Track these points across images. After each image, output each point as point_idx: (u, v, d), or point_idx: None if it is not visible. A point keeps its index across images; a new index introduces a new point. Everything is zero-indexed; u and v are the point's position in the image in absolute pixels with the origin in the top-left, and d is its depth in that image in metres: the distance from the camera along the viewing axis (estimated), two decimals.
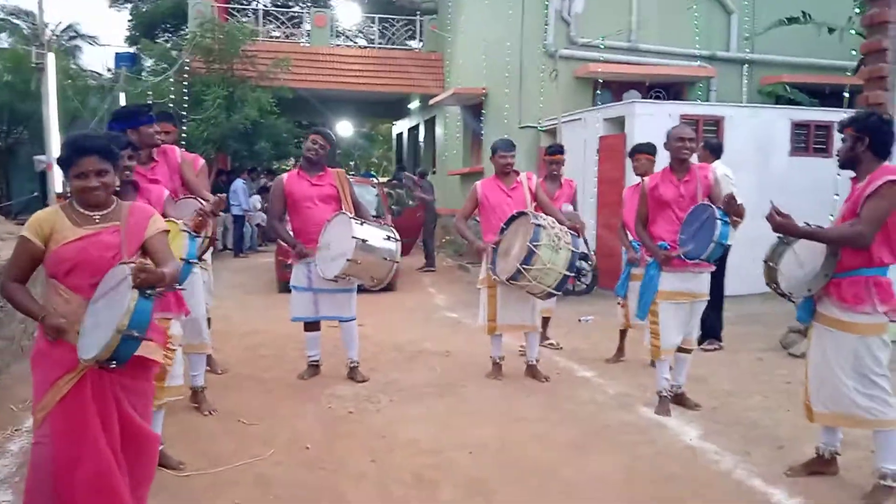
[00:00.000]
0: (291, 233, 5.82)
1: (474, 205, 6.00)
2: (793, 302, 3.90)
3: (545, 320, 6.86)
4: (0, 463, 4.03)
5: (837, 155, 3.81)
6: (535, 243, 5.17)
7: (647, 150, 6.32)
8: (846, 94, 8.25)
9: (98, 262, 2.87)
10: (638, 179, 6.00)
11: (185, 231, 3.82)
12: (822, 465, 3.94)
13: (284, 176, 5.83)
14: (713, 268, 5.06)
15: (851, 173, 3.74)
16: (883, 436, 3.65)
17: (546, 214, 5.57)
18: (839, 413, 3.72)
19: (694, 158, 6.58)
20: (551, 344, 6.99)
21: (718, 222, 4.57)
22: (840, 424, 3.82)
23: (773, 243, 3.87)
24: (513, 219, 5.51)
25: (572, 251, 5.32)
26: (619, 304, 6.43)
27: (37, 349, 2.93)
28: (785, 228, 3.68)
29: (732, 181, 6.95)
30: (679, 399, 5.18)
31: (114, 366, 2.65)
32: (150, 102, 13.69)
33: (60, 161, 2.96)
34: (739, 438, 4.54)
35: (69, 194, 3.03)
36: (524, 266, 5.21)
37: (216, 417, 4.85)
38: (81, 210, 2.94)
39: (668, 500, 3.71)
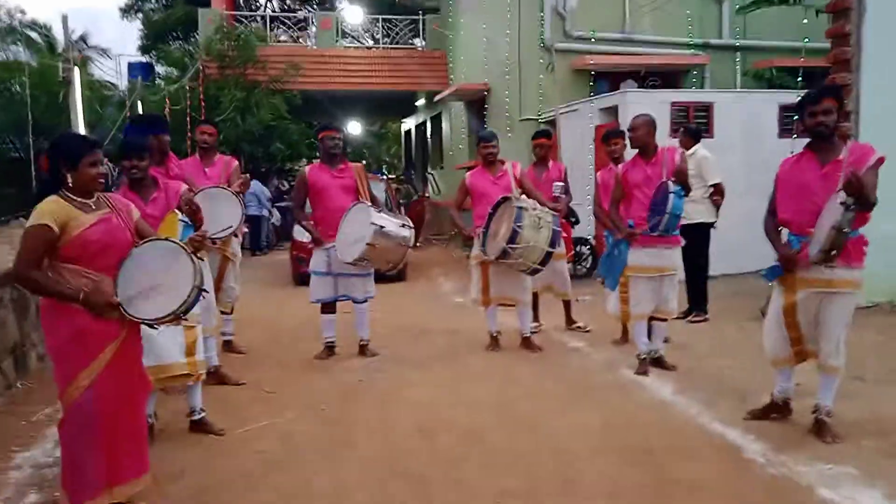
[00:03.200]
0: (312, 222, 6.31)
1: (464, 194, 6.55)
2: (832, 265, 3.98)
3: (566, 304, 7.34)
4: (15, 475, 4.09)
5: (823, 125, 3.97)
6: (518, 224, 5.73)
7: (620, 134, 6.69)
8: None
9: (122, 243, 3.32)
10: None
11: (182, 221, 4.37)
12: (777, 410, 4.44)
13: (307, 168, 6.40)
14: (680, 242, 5.56)
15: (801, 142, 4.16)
16: (828, 379, 4.18)
17: (530, 198, 6.12)
18: (819, 356, 4.14)
19: (675, 142, 7.15)
20: (579, 327, 7.28)
21: (671, 195, 5.08)
22: (816, 361, 4.19)
23: (839, 211, 3.73)
24: (499, 204, 6.06)
25: (554, 229, 5.85)
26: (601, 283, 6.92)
27: (77, 328, 3.20)
28: (867, 196, 3.72)
29: (711, 162, 7.47)
30: (657, 362, 5.71)
31: (177, 318, 3.30)
32: (168, 110, 14.35)
33: (68, 153, 3.23)
34: (708, 392, 5.08)
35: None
36: (510, 245, 5.76)
37: (241, 388, 5.45)
38: (79, 199, 3.24)
39: (638, 442, 4.24)
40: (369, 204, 6.00)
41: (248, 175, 5.30)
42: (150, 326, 3.39)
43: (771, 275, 4.24)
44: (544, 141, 7.24)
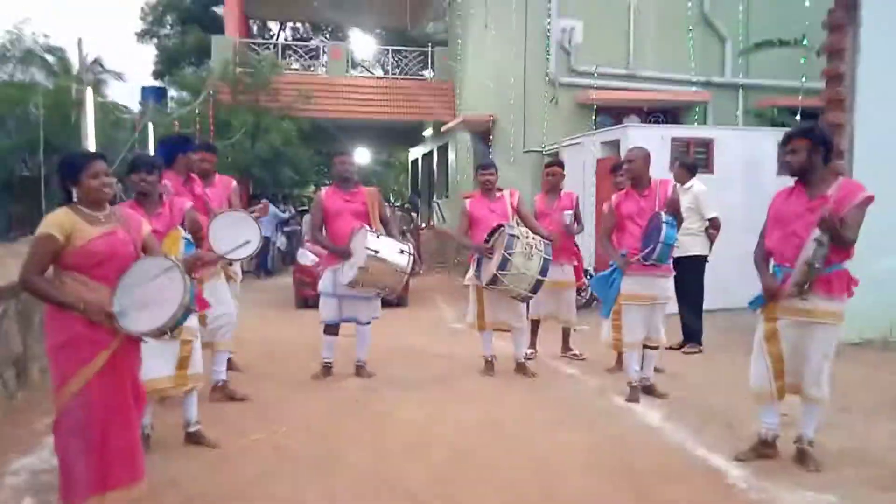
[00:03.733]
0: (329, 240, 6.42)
1: (467, 219, 6.68)
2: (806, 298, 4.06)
3: (565, 331, 7.45)
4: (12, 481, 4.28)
5: (789, 164, 4.15)
6: (509, 251, 5.86)
7: None
8: None
9: (125, 256, 3.45)
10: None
11: (185, 238, 4.51)
12: (766, 447, 4.38)
13: (323, 191, 6.59)
14: (671, 273, 5.69)
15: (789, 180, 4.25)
16: (811, 408, 4.27)
17: (526, 226, 6.25)
18: (801, 386, 4.21)
19: (671, 176, 7.28)
20: (574, 355, 7.35)
21: (664, 225, 5.22)
22: (797, 394, 4.27)
23: (812, 247, 3.89)
24: (494, 231, 6.19)
25: (545, 258, 5.96)
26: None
27: (72, 334, 3.33)
28: (839, 232, 3.85)
29: (708, 196, 7.61)
30: (648, 390, 5.79)
31: (161, 334, 3.39)
32: (180, 132, 14.60)
33: (70, 168, 3.42)
34: (696, 420, 5.15)
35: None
36: (500, 272, 5.89)
37: (239, 404, 5.55)
38: (87, 211, 3.41)
39: (623, 463, 4.32)
40: (370, 229, 6.13)
41: (266, 201, 5.52)
42: (139, 339, 3.50)
43: (754, 304, 4.33)
44: (557, 170, 7.33)
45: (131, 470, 3.54)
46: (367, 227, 6.12)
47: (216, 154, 6.34)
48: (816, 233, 3.88)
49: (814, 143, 4.09)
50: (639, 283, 5.54)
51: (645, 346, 5.75)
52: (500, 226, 6.18)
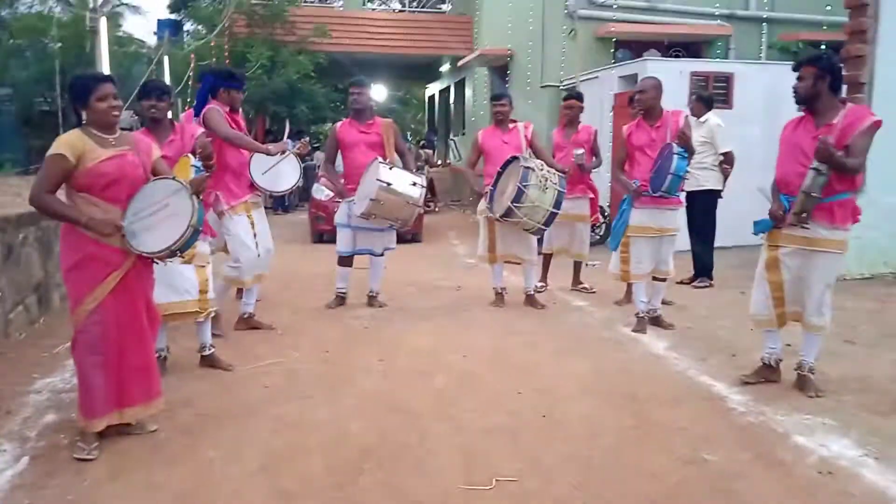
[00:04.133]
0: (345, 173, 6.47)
1: (478, 153, 6.67)
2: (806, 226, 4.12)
3: (577, 265, 7.50)
4: (34, 398, 4.51)
5: (796, 91, 4.15)
6: (524, 183, 5.85)
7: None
8: None
9: (135, 178, 3.52)
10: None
11: (194, 165, 4.55)
12: (768, 372, 4.50)
13: (338, 124, 6.56)
14: (681, 205, 5.68)
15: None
16: (812, 337, 4.33)
17: (540, 159, 6.24)
18: (802, 314, 4.28)
19: (688, 111, 7.18)
20: (584, 288, 7.43)
21: (674, 156, 5.19)
22: (799, 321, 4.34)
23: (810, 175, 3.93)
24: (507, 163, 6.18)
25: (559, 191, 5.96)
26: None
27: (83, 254, 3.42)
28: (836, 159, 3.87)
29: (723, 130, 7.52)
30: (656, 321, 5.86)
31: (172, 254, 3.49)
32: (192, 66, 14.56)
33: (79, 91, 3.44)
34: (700, 350, 5.23)
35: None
36: (515, 204, 5.90)
37: (253, 331, 5.69)
38: (98, 133, 3.45)
39: (624, 389, 4.41)
40: (383, 161, 6.14)
41: (307, 138, 5.65)
42: (152, 261, 3.60)
43: (758, 228, 4.37)
44: (574, 102, 7.28)
45: (147, 387, 3.68)
46: (381, 160, 6.13)
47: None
48: (815, 162, 3.90)
49: (821, 71, 4.05)
50: (647, 216, 5.55)
51: (654, 278, 5.79)
52: (513, 157, 6.17)
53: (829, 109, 4.10)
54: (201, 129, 4.79)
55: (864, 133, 3.98)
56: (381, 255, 6.51)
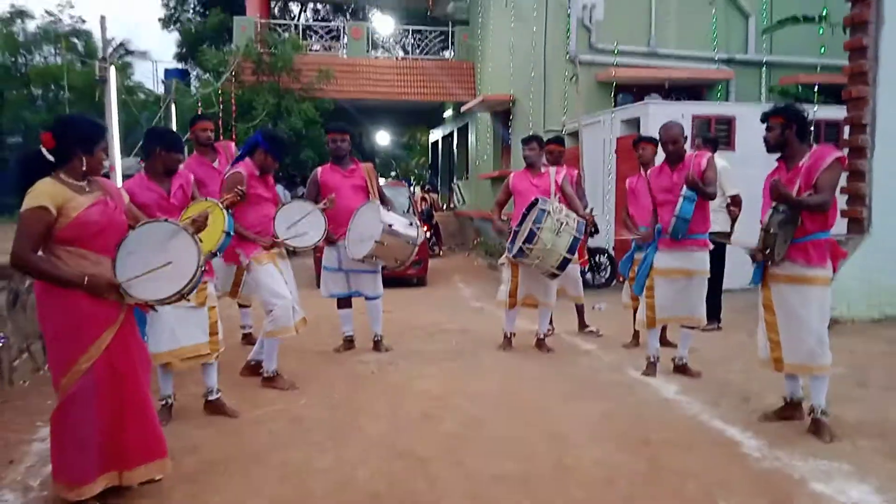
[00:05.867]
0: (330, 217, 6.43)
1: (507, 193, 6.75)
2: (769, 264, 4.34)
3: (579, 308, 7.47)
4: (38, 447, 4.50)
5: (766, 140, 4.43)
6: (537, 225, 5.86)
7: (650, 140, 6.69)
8: None
9: (119, 225, 3.35)
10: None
11: (224, 209, 4.57)
12: (790, 411, 4.52)
13: (319, 169, 6.53)
14: (707, 246, 5.62)
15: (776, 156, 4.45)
16: (817, 379, 4.30)
17: (567, 204, 6.31)
18: (799, 363, 4.32)
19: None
20: (591, 331, 7.39)
21: (681, 199, 5.19)
22: (798, 372, 4.41)
23: (769, 214, 4.20)
24: (532, 205, 6.19)
25: (575, 236, 5.93)
26: (620, 280, 7.03)
27: (78, 314, 3.19)
28: (785, 197, 4.13)
29: (730, 173, 7.54)
30: (682, 369, 5.74)
31: (183, 298, 3.40)
32: (201, 112, 14.74)
33: (87, 135, 3.27)
34: (712, 393, 5.16)
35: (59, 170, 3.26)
36: (526, 245, 5.89)
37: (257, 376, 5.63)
38: (72, 181, 3.22)
39: (636, 433, 4.34)
40: (378, 203, 6.16)
41: (334, 196, 5.85)
42: (152, 308, 3.47)
43: (753, 278, 4.50)
44: (556, 147, 7.37)
45: (146, 444, 3.44)
46: (376, 202, 6.15)
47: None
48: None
49: (787, 120, 4.30)
50: (672, 258, 5.51)
51: (682, 326, 5.73)
52: (536, 200, 6.18)
53: (798, 154, 4.32)
54: (192, 177, 4.75)
55: (827, 170, 4.18)
56: (376, 298, 6.47)
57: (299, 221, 5.47)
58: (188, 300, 3.62)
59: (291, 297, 5.34)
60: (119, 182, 8.64)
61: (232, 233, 4.60)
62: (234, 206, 4.83)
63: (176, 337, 4.39)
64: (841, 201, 6.78)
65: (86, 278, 3.16)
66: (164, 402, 4.56)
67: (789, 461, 3.87)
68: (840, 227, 6.96)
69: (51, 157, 3.23)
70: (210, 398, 4.74)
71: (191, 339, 4.44)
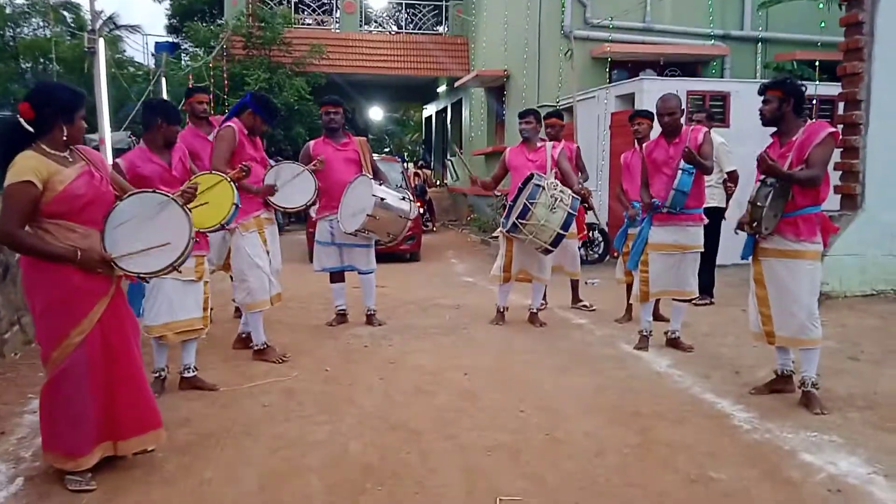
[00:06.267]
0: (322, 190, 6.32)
1: (503, 168, 6.71)
2: (757, 237, 4.36)
3: (574, 283, 7.48)
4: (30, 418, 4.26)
5: (762, 113, 4.40)
6: (531, 201, 5.84)
7: (646, 114, 6.65)
8: None
9: (106, 195, 3.27)
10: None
11: (230, 182, 4.55)
12: (781, 384, 4.55)
13: (312, 142, 6.49)
14: (702, 220, 5.62)
15: (771, 130, 4.43)
16: (807, 352, 4.33)
17: (563, 179, 6.28)
18: (790, 336, 4.34)
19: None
20: (584, 306, 7.41)
21: (680, 172, 5.18)
22: (789, 345, 4.43)
23: (757, 187, 4.24)
24: (527, 180, 6.15)
25: (569, 213, 5.92)
26: (614, 255, 7.03)
27: (69, 288, 3.14)
28: (773, 170, 4.13)
29: (728, 149, 7.53)
30: (674, 343, 5.74)
31: (175, 270, 3.37)
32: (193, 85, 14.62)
33: (67, 103, 3.14)
34: (703, 367, 5.18)
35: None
36: (520, 220, 5.88)
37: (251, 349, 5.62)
38: (54, 152, 3.11)
39: (628, 406, 4.36)
40: (371, 177, 6.13)
41: (323, 158, 5.79)
42: (144, 280, 3.45)
43: (744, 251, 4.50)
44: (556, 121, 7.31)
45: (142, 416, 3.42)
46: (368, 175, 6.11)
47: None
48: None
49: (785, 94, 4.27)
50: (667, 232, 5.50)
51: (674, 299, 5.74)
52: (531, 175, 6.15)
53: (792, 129, 4.31)
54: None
55: (819, 145, 4.16)
56: (369, 272, 6.46)
57: (289, 182, 5.46)
58: (180, 272, 3.58)
59: (270, 268, 5.31)
60: (109, 157, 8.59)
61: (240, 205, 4.61)
62: (239, 180, 4.78)
63: (173, 310, 4.40)
64: (834, 177, 6.81)
65: (78, 253, 3.10)
66: (157, 375, 4.56)
67: (780, 433, 3.90)
68: (833, 202, 6.99)
69: (30, 128, 3.10)
70: (186, 375, 4.68)
71: (187, 312, 4.46)
